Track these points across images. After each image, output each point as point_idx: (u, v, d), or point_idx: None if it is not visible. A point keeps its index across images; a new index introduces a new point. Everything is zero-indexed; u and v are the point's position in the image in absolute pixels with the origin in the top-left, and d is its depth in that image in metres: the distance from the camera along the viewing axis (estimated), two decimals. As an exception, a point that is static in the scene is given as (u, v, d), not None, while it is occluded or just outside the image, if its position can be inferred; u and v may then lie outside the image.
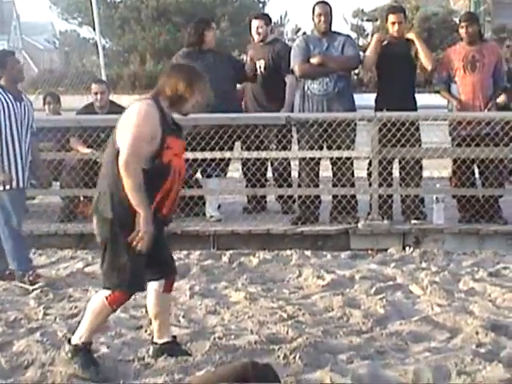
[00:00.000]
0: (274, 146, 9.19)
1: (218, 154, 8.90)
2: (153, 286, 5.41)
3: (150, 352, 5.44)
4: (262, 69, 9.17)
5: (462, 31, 8.84)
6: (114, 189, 5.00)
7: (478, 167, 8.76)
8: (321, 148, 8.82)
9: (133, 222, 4.95)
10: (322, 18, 8.82)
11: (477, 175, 8.83)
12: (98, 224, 5.16)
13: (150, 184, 4.96)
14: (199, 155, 8.84)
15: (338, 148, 8.69)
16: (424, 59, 8.73)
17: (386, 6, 23.65)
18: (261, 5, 36.35)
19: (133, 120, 4.94)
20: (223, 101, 8.66)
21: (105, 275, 5.17)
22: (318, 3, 8.91)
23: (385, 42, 8.90)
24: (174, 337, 5.57)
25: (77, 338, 5.23)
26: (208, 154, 8.88)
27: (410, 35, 8.94)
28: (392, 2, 27.87)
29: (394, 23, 8.82)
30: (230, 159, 9.33)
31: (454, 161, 8.79)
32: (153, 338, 5.55)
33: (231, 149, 9.20)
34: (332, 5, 8.93)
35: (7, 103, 7.24)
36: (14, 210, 7.30)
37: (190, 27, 9.36)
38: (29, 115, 7.41)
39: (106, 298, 5.13)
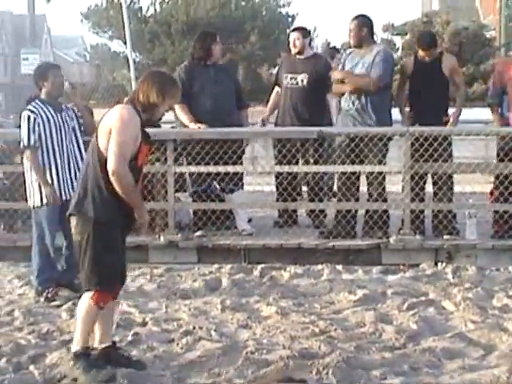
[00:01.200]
0: (311, 160, 9.15)
1: (239, 168, 8.97)
2: None
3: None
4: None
5: None
6: (96, 190, 5.21)
7: None
8: (353, 162, 8.78)
9: (114, 222, 5.24)
10: (351, 33, 8.82)
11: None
12: (78, 223, 5.30)
13: None
14: (213, 169, 8.82)
15: (370, 163, 8.67)
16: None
17: (417, 21, 23.77)
18: (290, 19, 36.42)
19: (117, 126, 5.15)
20: (226, 113, 8.77)
21: (86, 276, 5.29)
22: (352, 18, 8.90)
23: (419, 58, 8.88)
24: (114, 342, 5.60)
25: (75, 345, 5.33)
26: (231, 168, 8.86)
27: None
28: (423, 16, 27.89)
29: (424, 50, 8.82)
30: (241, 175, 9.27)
31: (497, 176, 8.73)
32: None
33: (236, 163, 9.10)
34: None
35: (47, 116, 7.29)
36: (48, 226, 7.32)
37: (196, 41, 9.37)
38: (69, 126, 7.43)
39: (91, 298, 5.25)
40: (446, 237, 8.62)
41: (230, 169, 8.84)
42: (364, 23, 8.86)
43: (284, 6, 37.35)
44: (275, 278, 7.98)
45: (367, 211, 8.84)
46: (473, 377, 5.21)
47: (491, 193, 9.04)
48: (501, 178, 8.63)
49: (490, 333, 6.12)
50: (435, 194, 8.77)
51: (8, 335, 6.25)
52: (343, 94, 8.75)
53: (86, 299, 5.29)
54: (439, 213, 8.74)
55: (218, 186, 8.98)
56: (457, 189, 9.04)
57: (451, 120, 8.81)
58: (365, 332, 6.26)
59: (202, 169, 8.76)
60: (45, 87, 7.41)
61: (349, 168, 8.75)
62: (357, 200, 8.88)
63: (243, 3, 34.35)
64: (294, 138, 9.06)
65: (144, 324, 6.52)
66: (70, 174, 7.34)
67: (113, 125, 5.17)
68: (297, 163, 9.22)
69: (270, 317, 6.70)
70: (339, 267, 8.26)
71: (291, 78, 9.26)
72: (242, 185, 9.29)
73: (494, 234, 8.73)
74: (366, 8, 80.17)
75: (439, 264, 8.32)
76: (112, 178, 5.12)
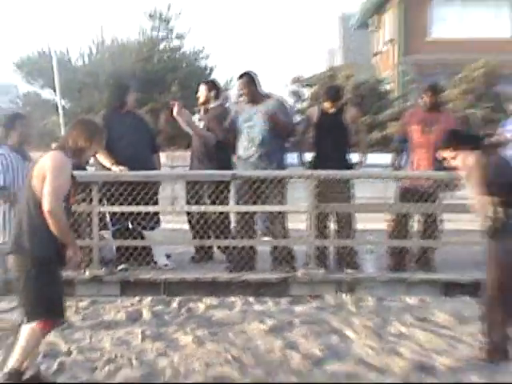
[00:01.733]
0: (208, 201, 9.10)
1: (157, 208, 8.89)
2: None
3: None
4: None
5: (425, 99, 8.95)
6: (33, 229, 5.25)
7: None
8: (254, 203, 8.79)
9: (52, 257, 5.29)
10: (243, 91, 8.90)
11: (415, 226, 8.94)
12: (18, 261, 5.30)
13: None
14: (135, 209, 8.73)
15: (271, 203, 8.70)
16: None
17: (322, 74, 24.10)
18: (208, 71, 36.59)
19: (52, 171, 5.23)
20: (144, 157, 8.79)
21: (32, 308, 5.30)
22: (239, 77, 8.95)
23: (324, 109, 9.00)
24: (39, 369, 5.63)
25: (11, 363, 5.30)
26: (145, 208, 8.75)
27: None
28: (328, 70, 28.28)
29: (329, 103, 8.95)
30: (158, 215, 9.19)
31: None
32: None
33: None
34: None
35: (17, 162, 7.21)
36: None
37: (111, 90, 9.33)
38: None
39: (34, 328, 5.27)
40: (347, 270, 8.70)
41: (150, 208, 8.78)
42: (249, 80, 8.89)
43: (203, 58, 37.58)
44: (192, 309, 7.92)
45: (275, 247, 8.85)
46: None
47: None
48: (393, 216, 8.81)
49: (387, 358, 6.19)
50: (338, 231, 8.87)
51: None
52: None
53: (30, 328, 5.29)
54: (341, 248, 8.83)
55: (130, 226, 8.90)
56: (359, 226, 9.13)
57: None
58: (274, 358, 6.25)
59: (125, 209, 8.68)
60: (12, 135, 7.35)
61: (254, 208, 8.79)
62: (251, 237, 8.89)
63: (165, 57, 34.43)
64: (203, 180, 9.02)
65: (69, 353, 6.39)
66: None
67: (48, 170, 5.24)
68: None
69: (187, 345, 6.64)
70: (251, 299, 8.25)
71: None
72: (159, 222, 9.20)
73: (391, 268, 8.84)
74: (277, 61, 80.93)
75: (342, 295, 8.38)
76: (49, 218, 5.18)
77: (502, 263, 5.86)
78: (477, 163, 5.79)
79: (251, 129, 8.78)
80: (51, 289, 5.32)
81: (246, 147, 8.82)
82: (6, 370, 5.31)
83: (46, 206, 5.17)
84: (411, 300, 8.22)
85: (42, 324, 5.29)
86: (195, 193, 9.07)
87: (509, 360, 5.94)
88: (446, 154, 5.99)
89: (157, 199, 9.00)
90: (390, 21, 30.84)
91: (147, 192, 8.67)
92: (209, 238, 9.24)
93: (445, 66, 26.35)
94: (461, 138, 6.04)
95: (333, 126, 8.82)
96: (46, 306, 5.30)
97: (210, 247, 9.43)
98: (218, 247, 9.43)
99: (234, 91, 34.86)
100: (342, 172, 8.66)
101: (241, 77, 8.92)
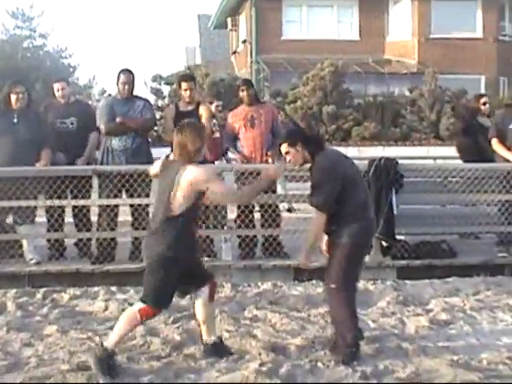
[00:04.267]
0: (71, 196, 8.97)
1: (23, 203, 8.65)
2: (199, 298, 5.95)
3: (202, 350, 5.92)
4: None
5: (242, 94, 9.12)
6: (167, 231, 5.53)
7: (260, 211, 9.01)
8: (115, 196, 8.78)
9: (173, 255, 5.53)
10: (126, 87, 8.85)
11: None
12: (152, 257, 5.58)
13: None
14: (7, 204, 8.58)
15: (138, 196, 8.70)
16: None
17: (181, 73, 24.12)
18: (71, 69, 35.96)
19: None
20: (25, 154, 8.52)
21: (145, 290, 5.63)
22: (122, 71, 8.90)
23: (180, 108, 9.01)
24: (220, 337, 5.96)
25: (108, 341, 5.52)
26: (14, 203, 8.59)
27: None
28: (185, 69, 28.33)
29: (185, 90, 8.97)
30: (35, 208, 8.99)
31: (239, 206, 8.96)
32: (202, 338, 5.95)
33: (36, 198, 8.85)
34: (134, 69, 8.98)
35: None
36: None
37: None
38: None
39: (140, 311, 5.52)
40: (205, 258, 8.76)
41: (23, 203, 8.59)
42: (134, 77, 8.95)
43: (66, 57, 36.88)
44: (56, 300, 7.81)
45: (136, 238, 8.83)
46: (226, 377, 5.34)
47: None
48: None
49: (242, 340, 6.29)
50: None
51: None
52: (116, 136, 8.75)
53: (135, 310, 5.55)
54: (199, 237, 8.86)
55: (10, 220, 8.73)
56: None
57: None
58: (135, 344, 6.25)
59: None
60: None
61: (120, 201, 8.76)
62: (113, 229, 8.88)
63: (29, 55, 33.62)
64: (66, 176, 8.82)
65: None
66: None
67: (207, 184, 5.50)
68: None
69: (51, 335, 6.55)
70: (113, 288, 8.21)
71: (61, 123, 9.08)
72: (30, 218, 8.98)
73: (244, 255, 8.97)
74: (140, 60, 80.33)
75: (200, 282, 8.43)
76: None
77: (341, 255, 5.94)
78: (313, 164, 5.91)
79: None
80: (165, 283, 5.57)
81: (120, 138, 8.76)
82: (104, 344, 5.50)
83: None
84: (265, 285, 8.37)
85: (144, 312, 5.53)
86: (57, 187, 8.87)
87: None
88: (282, 148, 6.07)
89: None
90: (244, 22, 31.12)
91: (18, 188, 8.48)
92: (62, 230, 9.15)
93: (296, 66, 26.86)
94: (295, 136, 6.02)
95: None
96: (156, 295, 5.55)
97: (62, 243, 9.24)
98: (75, 243, 9.27)
99: (97, 89, 34.47)
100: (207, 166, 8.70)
101: (126, 72, 8.89)
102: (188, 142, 5.56)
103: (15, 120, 8.71)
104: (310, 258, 5.97)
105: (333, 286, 5.85)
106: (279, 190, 9.53)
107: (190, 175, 5.46)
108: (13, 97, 8.73)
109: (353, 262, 5.89)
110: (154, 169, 5.94)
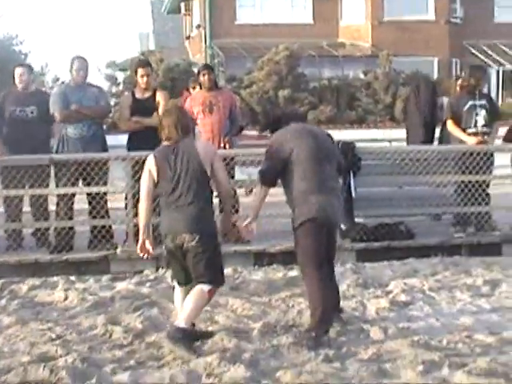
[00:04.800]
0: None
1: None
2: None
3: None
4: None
5: (203, 79, 9.07)
6: (209, 210, 5.88)
7: None
8: (73, 185, 8.68)
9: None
10: (81, 73, 8.74)
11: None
12: (202, 239, 5.69)
13: None
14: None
15: (96, 184, 8.63)
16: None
17: (136, 59, 23.88)
18: (23, 56, 35.42)
19: (218, 158, 6.07)
20: None
21: (211, 275, 5.75)
22: (76, 58, 8.79)
23: (137, 95, 8.94)
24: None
25: (182, 323, 5.65)
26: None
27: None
28: (139, 55, 28.08)
29: (142, 76, 8.88)
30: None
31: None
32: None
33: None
34: (87, 56, 8.87)
35: None
36: None
37: None
38: None
39: (209, 291, 5.73)
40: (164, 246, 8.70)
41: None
42: (87, 64, 8.86)
43: (17, 44, 36.33)
44: (15, 291, 7.70)
45: (95, 227, 8.76)
46: (190, 365, 5.33)
47: None
48: None
49: (204, 325, 6.28)
50: (154, 209, 8.81)
51: None
52: (71, 124, 8.64)
53: (203, 290, 5.69)
54: (158, 226, 8.81)
55: None
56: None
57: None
58: (97, 334, 6.21)
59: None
60: None
61: (77, 189, 8.70)
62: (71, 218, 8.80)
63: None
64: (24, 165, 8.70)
65: None
66: None
67: (214, 157, 5.89)
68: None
69: (10, 326, 6.46)
70: (73, 278, 8.14)
71: (20, 111, 8.94)
72: None
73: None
74: (93, 46, 79.42)
75: (160, 270, 8.42)
76: (230, 198, 6.22)
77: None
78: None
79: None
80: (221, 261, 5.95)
81: (76, 126, 8.64)
82: (177, 327, 5.66)
83: (226, 190, 5.98)
84: (225, 271, 8.33)
85: (212, 292, 5.78)
86: (10, 177, 8.74)
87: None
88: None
89: None
90: (197, 6, 30.94)
91: None
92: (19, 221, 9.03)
93: (251, 50, 26.79)
94: (265, 124, 6.48)
95: (145, 110, 8.77)
96: (223, 274, 5.90)
97: (20, 233, 9.12)
98: (33, 233, 9.15)
99: (50, 76, 34.05)
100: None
101: (79, 58, 8.81)
102: (183, 118, 5.93)
103: None
104: (248, 225, 6.21)
105: (300, 268, 6.11)
106: (238, 175, 9.50)
107: (204, 146, 6.02)
108: None
109: (310, 243, 5.93)
110: (150, 166, 5.93)
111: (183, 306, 5.80)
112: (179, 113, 6.01)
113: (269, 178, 6.06)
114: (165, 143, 5.94)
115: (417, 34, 28.11)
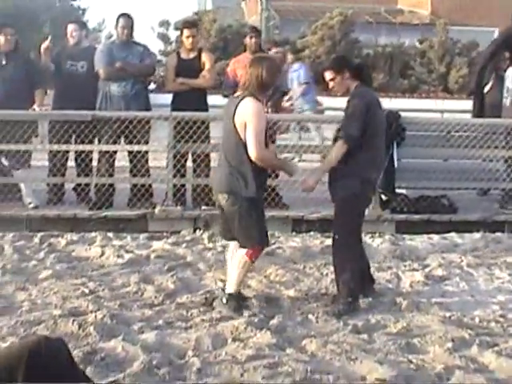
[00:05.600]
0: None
1: (22, 146, 8.62)
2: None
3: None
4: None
5: (249, 41, 8.98)
6: (243, 172, 5.52)
7: None
8: (115, 142, 8.73)
9: (258, 196, 5.65)
10: (125, 31, 8.73)
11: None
12: (230, 200, 5.59)
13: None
14: (11, 147, 8.56)
15: (137, 143, 8.64)
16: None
17: (189, 18, 23.81)
18: (81, 11, 35.63)
19: (252, 119, 5.45)
20: (15, 96, 8.47)
21: (246, 237, 5.64)
22: (121, 16, 8.78)
23: (182, 55, 8.89)
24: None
25: (230, 288, 5.75)
26: (13, 146, 8.56)
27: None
28: (193, 14, 27.99)
29: (188, 37, 8.82)
30: (29, 153, 8.96)
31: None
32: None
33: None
34: (140, 15, 8.86)
35: None
36: None
37: None
38: None
39: (247, 254, 5.64)
40: (203, 207, 8.74)
41: (22, 147, 8.58)
42: (133, 22, 8.84)
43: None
44: (53, 245, 7.81)
45: (135, 185, 8.80)
46: (217, 328, 5.33)
47: None
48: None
49: (235, 290, 6.28)
50: (194, 170, 8.89)
51: None
52: (115, 81, 8.65)
53: (243, 255, 5.66)
54: (198, 187, 8.85)
55: (6, 163, 8.70)
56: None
57: None
58: (129, 291, 6.25)
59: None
60: None
61: (118, 147, 8.74)
62: (112, 175, 8.85)
63: (37, -4, 33.26)
64: (70, 120, 8.78)
65: None
66: None
67: (248, 118, 5.45)
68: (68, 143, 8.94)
69: (45, 279, 6.55)
70: (110, 234, 8.21)
71: (71, 65, 9.01)
72: (28, 162, 8.95)
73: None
74: (150, 5, 79.26)
75: (197, 231, 8.44)
76: (260, 163, 5.49)
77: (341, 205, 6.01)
78: (353, 94, 5.90)
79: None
80: (259, 221, 5.67)
81: (119, 84, 8.67)
82: (226, 291, 5.79)
83: (254, 154, 5.44)
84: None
85: (251, 253, 5.64)
86: (56, 132, 8.83)
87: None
88: (327, 75, 5.99)
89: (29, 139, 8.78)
90: (256, -33, 30.68)
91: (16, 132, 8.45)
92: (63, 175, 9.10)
93: (306, 14, 26.54)
94: (344, 64, 6.01)
95: (190, 72, 8.73)
96: (259, 236, 5.65)
97: (61, 188, 9.21)
98: (74, 188, 9.23)
99: (106, 32, 34.15)
100: (198, 113, 8.63)
101: (125, 16, 8.79)
102: (258, 74, 5.57)
103: (4, 62, 8.73)
104: (316, 183, 5.98)
105: (336, 236, 5.93)
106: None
107: (244, 105, 5.51)
108: (1, 38, 8.67)
109: (354, 213, 5.92)
110: None
111: (228, 272, 5.91)
112: (262, 66, 5.63)
113: (357, 138, 5.75)
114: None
115: (479, 3, 27.47)
